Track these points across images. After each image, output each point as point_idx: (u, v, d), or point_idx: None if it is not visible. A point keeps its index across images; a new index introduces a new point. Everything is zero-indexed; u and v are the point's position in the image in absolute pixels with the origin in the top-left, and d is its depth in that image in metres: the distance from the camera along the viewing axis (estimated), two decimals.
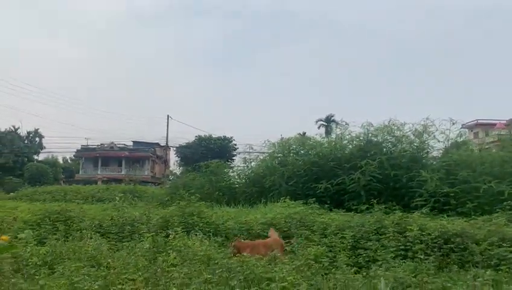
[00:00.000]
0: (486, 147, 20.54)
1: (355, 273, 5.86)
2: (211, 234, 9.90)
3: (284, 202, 13.95)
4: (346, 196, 15.67)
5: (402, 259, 7.62)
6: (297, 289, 4.40)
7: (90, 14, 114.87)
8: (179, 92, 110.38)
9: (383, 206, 11.02)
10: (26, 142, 64.20)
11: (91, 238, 8.88)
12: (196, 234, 9.38)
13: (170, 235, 8.60)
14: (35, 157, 63.62)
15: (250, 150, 23.99)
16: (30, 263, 6.02)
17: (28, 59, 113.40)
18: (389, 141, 18.11)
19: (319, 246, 8.24)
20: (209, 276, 4.77)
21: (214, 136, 58.53)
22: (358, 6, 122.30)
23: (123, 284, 4.47)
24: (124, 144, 65.31)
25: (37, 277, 4.86)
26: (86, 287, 4.32)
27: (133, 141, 65.75)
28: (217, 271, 5.06)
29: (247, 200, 18.03)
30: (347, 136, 19.09)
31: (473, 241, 8.53)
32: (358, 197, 15.10)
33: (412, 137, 17.75)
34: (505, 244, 7.98)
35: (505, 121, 40.48)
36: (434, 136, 17.47)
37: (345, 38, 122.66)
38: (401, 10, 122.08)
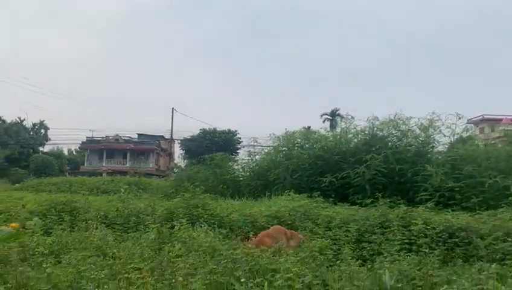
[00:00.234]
0: (492, 142, 20.43)
1: (360, 266, 5.87)
2: (215, 225, 9.93)
3: (289, 195, 13.95)
4: (351, 189, 15.66)
5: (406, 253, 7.62)
6: (302, 279, 4.42)
7: (97, 8, 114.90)
8: (184, 86, 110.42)
9: (388, 200, 11.02)
10: (31, 133, 64.52)
11: (96, 228, 8.94)
12: (201, 226, 9.41)
13: (175, 227, 8.64)
14: (41, 148, 63.98)
15: (255, 144, 24.00)
16: (36, 253, 6.06)
17: (34, 51, 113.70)
18: (395, 135, 18.05)
19: (323, 239, 8.26)
20: (214, 266, 4.79)
21: (218, 129, 58.59)
22: None
23: (129, 274, 4.50)
24: (129, 137, 65.55)
25: (44, 266, 4.90)
26: (92, 276, 4.36)
27: (137, 134, 65.98)
28: (222, 262, 5.08)
29: (251, 193, 18.04)
30: (352, 130, 19.04)
31: (478, 235, 8.53)
32: (363, 191, 15.08)
33: (418, 131, 17.69)
34: (510, 239, 7.96)
35: (511, 117, 40.28)
36: (440, 130, 17.41)
37: (351, 31, 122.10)
38: (409, 2, 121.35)
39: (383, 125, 18.13)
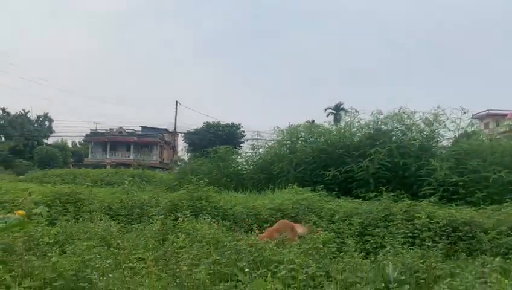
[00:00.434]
0: (497, 137, 20.32)
1: (363, 259, 5.88)
2: (219, 218, 9.95)
3: (292, 188, 13.95)
4: (354, 183, 15.65)
5: (410, 246, 7.62)
6: (306, 270, 4.44)
7: (103, 4, 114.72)
8: (187, 83, 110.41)
9: (391, 194, 11.00)
10: (36, 125, 64.75)
11: (101, 219, 8.97)
12: (204, 218, 9.43)
13: (179, 218, 8.66)
14: (45, 141, 64.23)
15: (258, 137, 24.00)
16: (41, 243, 6.09)
17: (40, 45, 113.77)
18: (399, 129, 18.00)
19: (326, 232, 8.27)
20: (217, 257, 4.81)
21: (222, 122, 58.59)
22: None
23: (133, 263, 4.53)
24: (133, 129, 65.66)
25: (48, 255, 4.93)
26: (97, 265, 4.39)
27: (141, 127, 66.07)
28: (225, 253, 5.10)
29: (254, 186, 18.07)
30: (356, 124, 18.99)
31: (482, 230, 8.52)
32: (366, 185, 15.07)
33: (422, 126, 17.63)
34: None
35: None
36: (445, 125, 17.34)
37: (352, 31, 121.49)
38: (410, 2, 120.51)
39: (387, 119, 18.08)
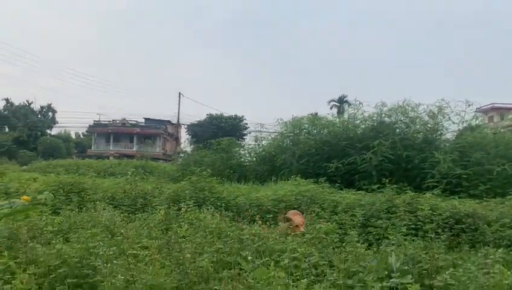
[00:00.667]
0: (502, 130, 20.25)
1: (366, 249, 5.88)
2: (222, 208, 9.98)
3: (295, 180, 13.95)
4: (357, 175, 15.64)
5: (412, 238, 7.62)
6: (309, 259, 4.45)
7: None
8: (191, 71, 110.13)
9: (394, 186, 10.99)
10: (39, 116, 64.89)
11: (104, 209, 9.00)
12: (207, 208, 9.46)
13: (182, 209, 8.69)
14: (49, 131, 64.39)
15: (262, 129, 23.98)
16: (45, 231, 6.13)
17: (43, 36, 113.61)
18: (403, 122, 17.95)
19: (329, 223, 8.27)
20: (221, 246, 4.82)
21: (225, 114, 58.57)
22: None
23: (137, 251, 4.55)
24: (136, 121, 65.74)
25: (53, 242, 4.97)
26: (101, 253, 4.41)
27: (144, 118, 66.13)
28: (228, 242, 5.12)
29: (257, 178, 18.09)
30: (359, 116, 18.95)
31: (485, 222, 8.51)
32: (369, 177, 15.06)
33: (426, 118, 17.56)
34: None
35: None
36: (449, 117, 17.28)
37: (360, 18, 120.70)
38: None
39: (391, 111, 18.02)
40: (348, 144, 17.10)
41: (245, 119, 59.22)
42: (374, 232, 8.32)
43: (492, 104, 50.56)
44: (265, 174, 18.35)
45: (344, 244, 5.39)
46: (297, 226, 7.35)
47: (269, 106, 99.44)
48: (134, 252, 4.46)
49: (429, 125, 17.46)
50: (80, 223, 7.12)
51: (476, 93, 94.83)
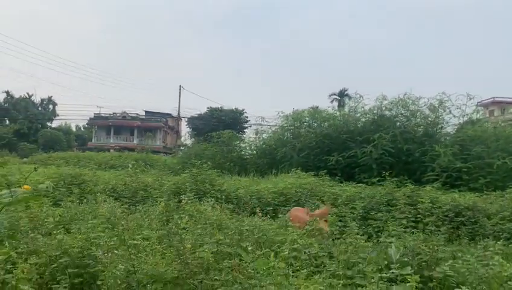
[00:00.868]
0: (502, 124, 20.24)
1: (366, 241, 5.90)
2: (222, 201, 10.00)
3: (295, 173, 13.98)
4: (358, 169, 15.67)
5: (412, 230, 7.64)
6: (309, 250, 4.47)
7: None
8: (192, 64, 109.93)
9: (395, 179, 11.01)
10: (40, 109, 64.83)
11: (105, 201, 9.01)
12: (208, 201, 9.48)
13: (183, 201, 8.70)
14: (49, 124, 64.35)
15: (262, 122, 23.99)
16: (46, 223, 6.15)
17: (45, 28, 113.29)
18: (403, 115, 17.95)
19: (329, 215, 8.29)
20: (221, 237, 4.84)
21: (225, 108, 58.50)
22: None
23: (138, 242, 4.57)
24: (136, 114, 65.68)
25: (54, 233, 4.98)
26: (102, 243, 4.43)
27: (145, 111, 66.08)
28: (229, 233, 5.13)
29: (258, 171, 18.12)
30: (360, 109, 18.96)
31: (485, 215, 8.54)
32: (369, 170, 15.09)
33: (427, 112, 17.56)
34: None
35: None
36: (450, 111, 17.28)
37: (363, 12, 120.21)
38: None
39: (392, 104, 18.02)
40: (348, 137, 17.12)
41: (246, 112, 59.23)
42: (374, 225, 8.35)
43: (493, 98, 50.43)
44: (266, 167, 18.40)
45: (344, 236, 5.41)
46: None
47: (270, 99, 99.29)
48: (135, 242, 4.47)
49: (430, 119, 17.46)
50: (80, 215, 7.14)
51: (478, 87, 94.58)
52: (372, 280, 3.48)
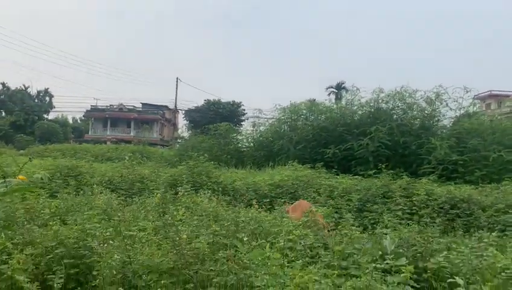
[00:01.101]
0: (498, 117, 20.28)
1: (361, 232, 5.93)
2: (219, 193, 10.02)
3: (292, 165, 14.01)
4: (354, 161, 15.71)
5: (407, 222, 7.68)
6: (304, 241, 4.49)
7: None
8: (189, 56, 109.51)
9: (391, 172, 11.05)
10: (36, 101, 64.52)
11: (101, 193, 9.01)
12: (204, 193, 9.49)
13: (179, 193, 8.71)
14: (46, 116, 64.08)
15: (259, 115, 23.95)
16: (42, 214, 6.15)
17: (39, 19, 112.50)
18: (400, 108, 17.97)
19: (325, 207, 8.32)
20: (217, 229, 4.85)
21: (222, 100, 58.36)
22: None
23: (134, 232, 4.58)
24: (133, 106, 65.42)
25: (50, 224, 4.98)
26: (98, 234, 4.44)
27: (142, 103, 65.85)
28: (225, 225, 5.15)
29: (254, 163, 18.16)
30: (357, 102, 18.97)
31: (480, 207, 8.59)
32: (366, 163, 15.13)
33: (424, 104, 17.58)
34: (511, 211, 8.03)
35: None
36: (446, 104, 17.29)
37: (360, 4, 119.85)
38: None
39: (389, 97, 18.02)
40: (345, 129, 17.14)
41: (243, 105, 59.10)
42: (370, 217, 8.39)
43: (490, 91, 50.44)
44: (263, 160, 18.42)
45: (339, 227, 5.43)
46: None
47: (268, 92, 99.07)
48: (131, 233, 4.48)
49: (426, 112, 17.48)
50: (77, 206, 7.14)
51: (475, 80, 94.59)
52: (367, 271, 3.50)
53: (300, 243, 4.42)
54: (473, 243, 5.32)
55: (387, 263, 4.00)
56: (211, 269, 3.84)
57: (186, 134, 53.83)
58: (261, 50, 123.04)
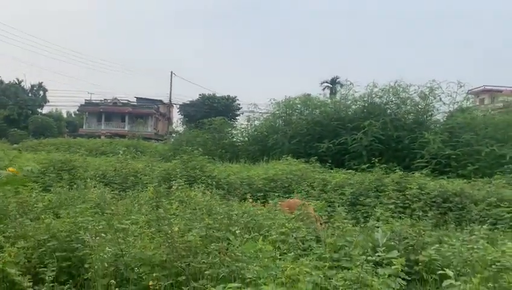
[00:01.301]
0: (492, 112, 20.39)
1: (353, 225, 5.96)
2: (213, 187, 10.03)
3: (286, 159, 14.03)
4: (348, 155, 15.76)
5: (400, 215, 7.73)
6: (296, 234, 4.52)
7: None
8: (184, 50, 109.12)
9: (384, 166, 11.09)
10: (30, 95, 64.06)
11: (95, 187, 9.00)
12: (198, 187, 9.50)
13: (173, 187, 8.71)
14: (39, 110, 63.65)
15: (254, 109, 23.90)
16: (35, 208, 6.13)
17: (33, 12, 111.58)
18: (394, 103, 18.01)
19: (318, 201, 8.36)
20: (210, 222, 4.86)
21: (217, 95, 58.22)
22: None
23: (126, 226, 4.57)
24: (128, 100, 65.11)
25: (42, 217, 4.97)
26: (90, 227, 4.43)
27: (136, 97, 65.56)
28: (218, 218, 5.16)
29: (249, 157, 18.16)
30: (350, 97, 19.00)
31: (472, 201, 8.65)
32: (359, 157, 15.18)
33: (417, 99, 17.63)
34: (502, 205, 8.10)
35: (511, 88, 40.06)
36: (440, 98, 17.34)
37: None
38: None
39: (383, 92, 18.05)
40: (339, 124, 17.18)
41: (238, 99, 58.94)
42: (363, 210, 8.45)
43: (484, 86, 50.59)
44: (257, 154, 18.43)
45: (331, 220, 5.46)
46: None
47: (263, 87, 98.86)
48: (123, 226, 4.48)
49: (420, 106, 17.54)
50: (70, 200, 7.12)
51: (469, 75, 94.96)
52: (358, 263, 3.53)
53: (292, 236, 4.44)
54: (464, 236, 5.38)
55: (378, 256, 4.04)
56: (203, 262, 3.85)
57: (180, 128, 53.59)
58: (257, 45, 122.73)
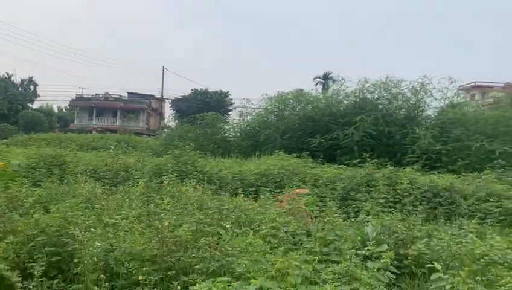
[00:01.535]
0: (482, 108, 20.57)
1: (344, 220, 5.99)
2: (204, 182, 10.02)
3: (278, 155, 14.04)
4: (339, 151, 15.83)
5: (390, 210, 7.77)
6: (286, 228, 4.53)
7: None
8: (176, 45, 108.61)
9: (375, 161, 11.14)
10: (20, 89, 63.39)
11: (85, 182, 8.95)
12: (190, 182, 9.48)
13: (164, 182, 8.69)
14: (30, 105, 63.04)
15: (247, 104, 23.88)
16: (25, 203, 6.09)
17: (25, 6, 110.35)
18: (385, 98, 18.09)
19: (309, 195, 8.37)
20: (201, 217, 4.86)
21: (210, 90, 58.05)
22: None
23: (117, 220, 4.56)
24: (119, 95, 64.67)
25: (31, 212, 4.94)
26: (79, 222, 4.41)
27: (128, 92, 65.13)
28: (209, 213, 5.16)
29: (241, 152, 18.16)
30: (342, 92, 19.06)
31: (461, 196, 8.74)
32: (351, 152, 15.25)
33: (409, 94, 17.72)
34: (491, 200, 8.19)
35: (502, 84, 40.38)
36: (431, 94, 17.43)
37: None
38: None
39: (374, 87, 18.12)
40: (331, 119, 17.24)
41: (230, 94, 58.81)
42: (354, 205, 8.48)
43: (474, 82, 50.93)
44: (249, 149, 18.44)
45: (322, 214, 5.48)
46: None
47: (255, 82, 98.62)
48: (113, 221, 4.47)
49: (411, 102, 17.63)
50: (60, 195, 7.08)
51: (460, 71, 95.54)
52: (347, 257, 3.55)
53: (283, 230, 4.45)
54: (454, 231, 5.43)
55: (368, 250, 4.07)
56: (193, 256, 3.85)
57: (172, 123, 53.40)
58: (250, 40, 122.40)
